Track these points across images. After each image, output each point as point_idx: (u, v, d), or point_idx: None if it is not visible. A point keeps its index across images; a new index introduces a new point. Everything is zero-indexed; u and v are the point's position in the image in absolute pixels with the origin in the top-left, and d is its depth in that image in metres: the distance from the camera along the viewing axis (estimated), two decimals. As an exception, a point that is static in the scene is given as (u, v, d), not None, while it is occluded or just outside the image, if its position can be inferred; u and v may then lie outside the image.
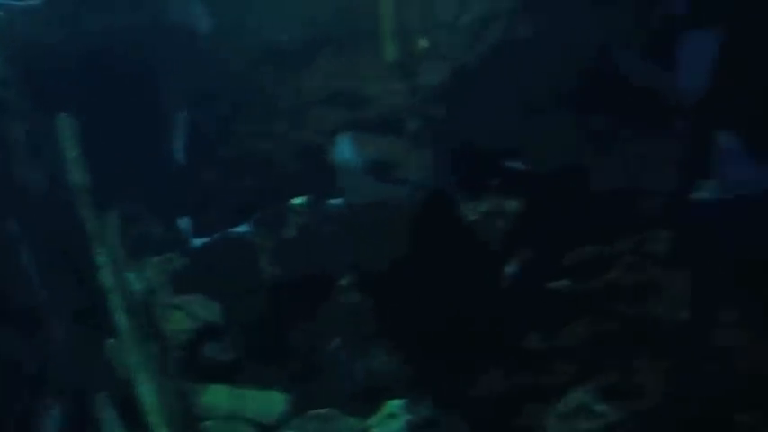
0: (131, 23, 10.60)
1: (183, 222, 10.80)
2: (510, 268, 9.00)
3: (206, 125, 10.75)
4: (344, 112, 10.28)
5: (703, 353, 7.96)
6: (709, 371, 7.90)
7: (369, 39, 10.19)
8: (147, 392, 9.54)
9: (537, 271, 8.89)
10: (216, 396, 9.76)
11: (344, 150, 9.92)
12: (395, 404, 9.44)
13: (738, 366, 7.76)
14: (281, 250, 10.04)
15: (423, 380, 9.48)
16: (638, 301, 8.33)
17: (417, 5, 9.69)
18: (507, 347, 8.87)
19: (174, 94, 10.82)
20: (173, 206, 10.71)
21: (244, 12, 10.74)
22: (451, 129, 9.39)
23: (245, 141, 10.59)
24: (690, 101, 8.23)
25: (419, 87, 9.57)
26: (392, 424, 9.32)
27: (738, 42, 7.92)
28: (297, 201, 10.08)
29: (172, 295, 10.28)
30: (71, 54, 10.39)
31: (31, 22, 10.39)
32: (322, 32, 10.43)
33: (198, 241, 10.68)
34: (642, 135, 8.47)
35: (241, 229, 10.42)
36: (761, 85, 7.84)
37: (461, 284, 9.18)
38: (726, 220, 7.87)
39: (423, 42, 9.45)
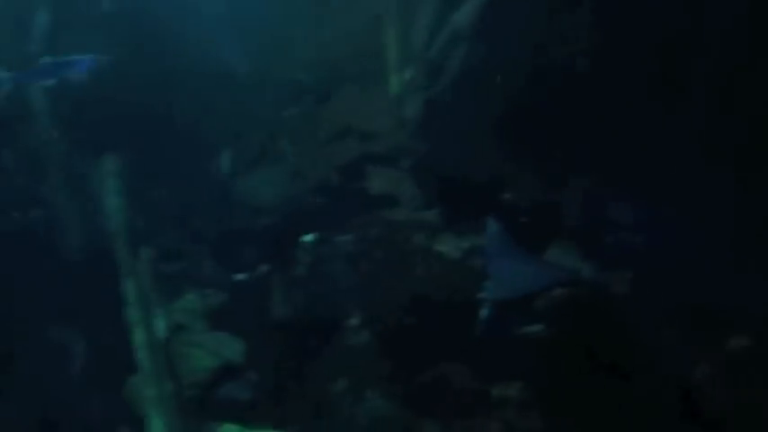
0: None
1: (225, 258, 11.06)
2: (484, 312, 8.36)
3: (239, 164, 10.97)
4: (356, 146, 10.10)
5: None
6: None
7: (377, 76, 9.99)
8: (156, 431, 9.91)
9: (509, 315, 8.20)
10: (226, 437, 9.87)
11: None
12: (387, 453, 9.09)
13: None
14: (291, 289, 10.01)
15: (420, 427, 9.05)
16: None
17: (403, 39, 9.34)
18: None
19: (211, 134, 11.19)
20: (213, 241, 11.00)
21: (273, 54, 10.92)
22: (433, 161, 8.92)
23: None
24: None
25: (405, 121, 9.20)
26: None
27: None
28: (306, 238, 10.00)
29: (201, 332, 10.52)
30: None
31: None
32: (338, 72, 10.36)
33: (234, 278, 10.89)
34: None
35: (265, 267, 10.52)
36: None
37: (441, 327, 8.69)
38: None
39: (408, 74, 9.09)
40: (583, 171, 8.03)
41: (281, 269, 10.13)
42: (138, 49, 10.97)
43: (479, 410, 8.52)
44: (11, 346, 10.12)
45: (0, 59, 9.59)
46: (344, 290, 9.51)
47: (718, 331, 7.28)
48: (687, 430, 6.67)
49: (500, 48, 7.88)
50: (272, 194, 10.70)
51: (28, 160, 10.77)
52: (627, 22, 7.23)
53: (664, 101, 7.37)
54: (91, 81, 10.51)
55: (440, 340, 8.84)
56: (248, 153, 10.78)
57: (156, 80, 11.05)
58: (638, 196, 7.74)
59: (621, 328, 7.38)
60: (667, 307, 7.26)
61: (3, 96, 9.84)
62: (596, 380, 7.56)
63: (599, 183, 7.97)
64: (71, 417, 10.22)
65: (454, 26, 8.29)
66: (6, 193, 10.56)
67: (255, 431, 9.88)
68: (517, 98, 7.84)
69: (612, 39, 7.28)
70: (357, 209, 9.73)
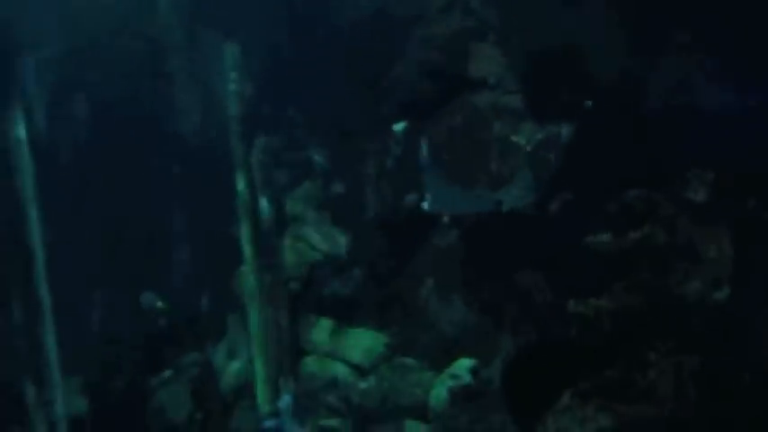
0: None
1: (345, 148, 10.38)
2: (551, 213, 7.07)
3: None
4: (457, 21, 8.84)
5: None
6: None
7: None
8: (253, 322, 9.70)
9: (575, 220, 6.85)
10: (321, 332, 9.46)
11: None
12: (462, 364, 8.20)
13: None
14: (382, 182, 9.19)
15: (497, 339, 8.07)
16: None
17: None
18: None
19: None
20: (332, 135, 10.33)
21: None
22: (509, 33, 7.57)
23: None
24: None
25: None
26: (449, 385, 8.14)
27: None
28: (398, 126, 9.06)
29: (313, 223, 10.03)
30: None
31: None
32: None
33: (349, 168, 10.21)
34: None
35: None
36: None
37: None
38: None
39: None
40: (674, 48, 6.35)
41: (376, 160, 9.29)
42: None
43: (555, 325, 7.34)
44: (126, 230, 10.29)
45: None
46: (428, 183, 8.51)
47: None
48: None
49: None
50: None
51: (149, 45, 10.63)
52: None
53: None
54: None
55: (515, 244, 7.67)
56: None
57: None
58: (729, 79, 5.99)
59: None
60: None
61: None
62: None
63: (689, 62, 6.27)
64: (180, 304, 10.31)
65: None
66: (130, 79, 10.54)
67: (350, 329, 9.39)
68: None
69: None
70: (450, 91, 8.57)
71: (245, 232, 9.88)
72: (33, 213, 9.64)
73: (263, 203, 9.92)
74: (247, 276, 9.80)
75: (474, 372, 8.06)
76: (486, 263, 8.15)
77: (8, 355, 9.51)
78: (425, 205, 7.90)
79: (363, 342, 9.22)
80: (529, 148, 7.45)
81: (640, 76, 6.65)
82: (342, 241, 9.77)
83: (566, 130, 7.17)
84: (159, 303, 9.94)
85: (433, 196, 7.83)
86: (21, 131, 9.68)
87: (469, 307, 8.34)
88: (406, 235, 9.02)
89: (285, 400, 9.19)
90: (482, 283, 8.19)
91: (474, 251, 8.32)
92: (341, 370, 9.19)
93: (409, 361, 8.79)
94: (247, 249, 9.86)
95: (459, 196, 7.80)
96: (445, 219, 8.68)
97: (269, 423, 9.05)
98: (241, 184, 9.91)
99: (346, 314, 9.50)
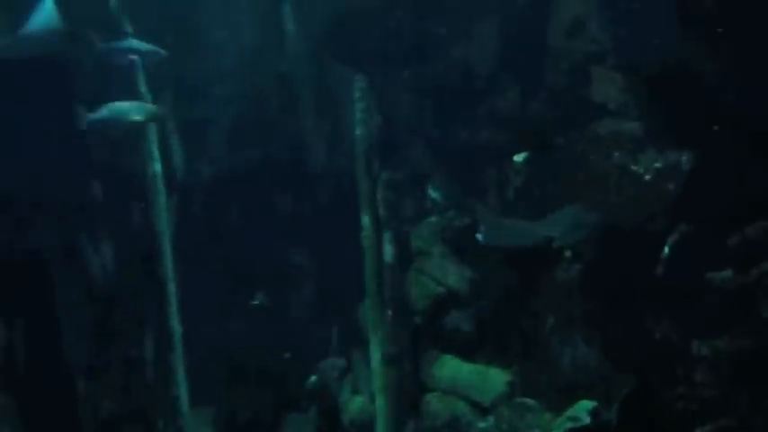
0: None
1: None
2: (668, 248, 6.62)
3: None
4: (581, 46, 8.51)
5: None
6: None
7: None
8: (375, 357, 9.59)
9: (694, 255, 6.38)
10: (443, 369, 9.24)
11: None
12: (583, 406, 7.77)
13: None
14: (503, 214, 8.92)
15: (617, 381, 7.62)
16: None
17: None
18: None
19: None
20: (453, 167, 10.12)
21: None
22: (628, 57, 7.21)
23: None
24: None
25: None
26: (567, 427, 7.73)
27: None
28: (518, 157, 8.80)
29: (438, 257, 9.83)
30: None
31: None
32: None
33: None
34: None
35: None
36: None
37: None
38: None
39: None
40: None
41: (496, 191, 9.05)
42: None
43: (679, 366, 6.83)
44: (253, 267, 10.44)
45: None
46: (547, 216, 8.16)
47: None
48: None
49: None
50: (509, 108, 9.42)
51: (278, 84, 10.81)
52: None
53: None
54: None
55: (633, 281, 7.23)
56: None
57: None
58: None
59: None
60: None
61: None
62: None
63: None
64: (307, 337, 10.35)
65: None
66: (254, 121, 10.74)
67: (474, 365, 9.11)
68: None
69: None
70: (572, 118, 8.25)
71: (368, 266, 9.85)
72: (167, 247, 9.98)
73: (387, 237, 9.86)
74: (370, 311, 9.75)
75: (594, 414, 7.61)
76: (607, 299, 7.72)
77: (140, 386, 9.81)
78: (479, 237, 8.01)
79: (485, 380, 8.93)
80: (648, 178, 7.01)
81: (764, 102, 6.12)
82: (466, 275, 9.51)
83: (686, 159, 6.70)
84: (261, 297, 10.18)
85: (487, 229, 7.94)
86: (157, 166, 10.05)
87: (590, 346, 7.92)
88: (529, 269, 8.70)
89: None
90: (603, 321, 7.76)
91: (594, 287, 7.91)
92: (462, 408, 8.93)
93: (529, 401, 8.44)
94: (370, 283, 9.82)
95: (512, 230, 7.95)
96: (567, 253, 8.31)
97: None
98: (366, 219, 9.92)
99: (469, 350, 9.25)
